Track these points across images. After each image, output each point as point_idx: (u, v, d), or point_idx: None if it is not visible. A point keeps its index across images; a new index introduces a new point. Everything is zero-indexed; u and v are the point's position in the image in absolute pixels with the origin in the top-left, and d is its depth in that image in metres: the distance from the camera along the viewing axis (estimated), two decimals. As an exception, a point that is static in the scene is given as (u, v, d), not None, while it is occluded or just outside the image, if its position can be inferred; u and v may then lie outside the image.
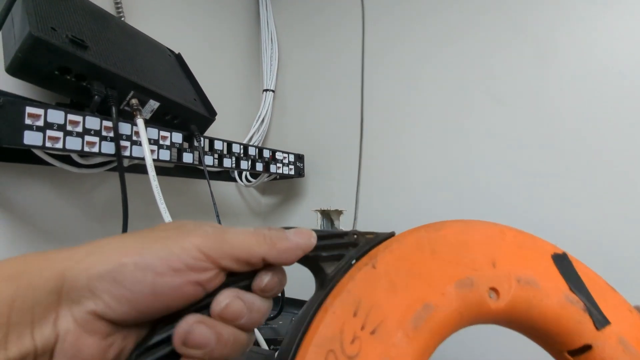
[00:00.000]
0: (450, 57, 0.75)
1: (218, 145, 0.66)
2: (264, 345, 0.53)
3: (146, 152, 0.51)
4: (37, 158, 0.52)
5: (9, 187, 0.54)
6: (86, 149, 0.48)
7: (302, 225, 0.81)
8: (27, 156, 0.54)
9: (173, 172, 0.76)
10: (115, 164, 0.61)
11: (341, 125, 0.89)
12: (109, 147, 0.50)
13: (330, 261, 0.25)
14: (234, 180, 0.89)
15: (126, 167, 0.62)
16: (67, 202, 0.60)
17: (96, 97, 0.48)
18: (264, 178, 0.86)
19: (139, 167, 0.69)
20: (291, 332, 0.23)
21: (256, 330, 0.54)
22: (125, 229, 0.54)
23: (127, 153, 0.52)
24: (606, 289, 0.28)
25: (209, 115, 0.64)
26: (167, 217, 0.50)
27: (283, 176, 0.86)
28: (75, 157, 0.54)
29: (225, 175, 0.88)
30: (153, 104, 0.56)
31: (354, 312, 0.22)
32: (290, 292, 0.90)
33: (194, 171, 0.79)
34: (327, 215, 0.92)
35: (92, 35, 0.52)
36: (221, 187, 0.89)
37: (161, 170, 0.73)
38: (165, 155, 0.57)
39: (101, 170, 0.60)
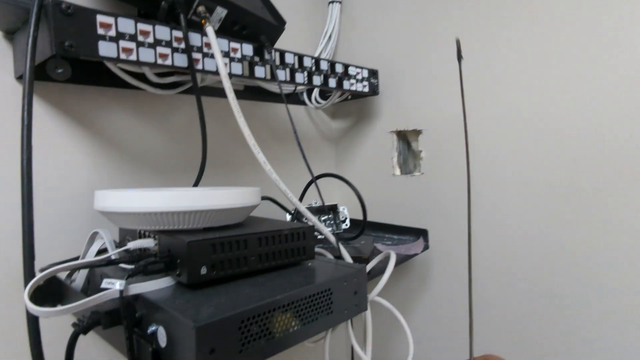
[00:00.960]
0: None
1: (289, 58, 0.61)
2: (349, 260, 0.52)
3: (219, 61, 0.47)
4: (114, 80, 0.51)
5: (90, 109, 0.54)
6: (159, 61, 0.46)
7: (375, 148, 0.75)
8: (105, 77, 0.53)
9: (243, 95, 0.73)
10: (189, 85, 0.59)
11: (417, 38, 0.79)
12: (181, 60, 0.48)
13: None
14: (303, 103, 0.85)
15: (200, 88, 0.60)
16: (146, 124, 0.60)
17: (163, 2, 0.45)
18: (334, 98, 0.80)
19: (212, 90, 0.67)
20: None
21: (342, 248, 0.52)
22: (204, 151, 0.53)
23: (199, 67, 0.49)
24: None
25: (278, 23, 0.58)
26: (246, 131, 0.47)
27: (356, 94, 0.80)
28: (150, 75, 0.53)
29: (294, 98, 0.84)
30: (220, 12, 0.51)
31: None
32: (371, 215, 0.89)
33: (263, 94, 0.75)
34: (404, 137, 0.86)
35: (151, -64, 0.48)
36: (291, 111, 0.85)
37: (231, 92, 0.71)
38: (237, 69, 0.54)
39: (176, 91, 0.58)
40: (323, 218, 0.77)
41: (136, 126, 0.59)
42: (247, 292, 0.36)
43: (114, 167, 0.56)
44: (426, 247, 0.70)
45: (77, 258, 0.48)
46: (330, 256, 0.55)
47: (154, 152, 0.61)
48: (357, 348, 0.46)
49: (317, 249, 0.58)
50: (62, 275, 0.48)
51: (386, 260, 0.52)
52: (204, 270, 0.36)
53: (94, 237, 0.49)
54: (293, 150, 0.85)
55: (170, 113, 0.63)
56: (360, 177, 0.91)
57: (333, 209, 0.76)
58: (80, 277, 0.46)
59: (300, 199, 0.68)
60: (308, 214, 0.49)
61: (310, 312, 0.38)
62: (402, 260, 0.64)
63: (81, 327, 0.35)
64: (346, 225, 0.75)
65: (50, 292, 0.44)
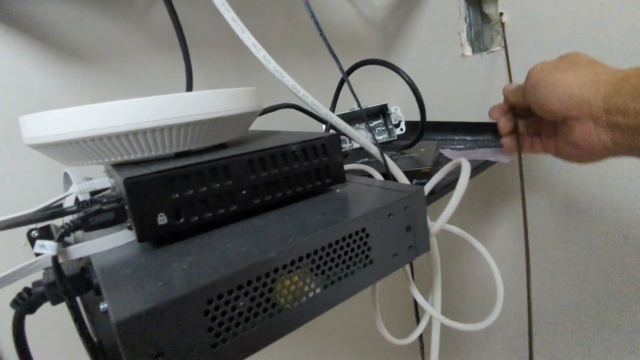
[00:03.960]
0: None
1: None
2: (403, 179, 0.36)
3: None
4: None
5: (33, 15, 0.41)
6: None
7: (435, 24, 0.51)
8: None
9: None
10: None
11: None
12: None
13: None
14: (333, -26, 0.64)
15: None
16: (119, 29, 0.46)
17: None
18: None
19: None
20: None
21: (390, 161, 0.36)
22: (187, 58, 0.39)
23: None
24: None
25: None
26: (246, 37, 0.31)
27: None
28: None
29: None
30: None
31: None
32: (437, 114, 0.69)
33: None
34: (475, 0, 0.62)
35: None
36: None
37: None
38: None
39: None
40: (372, 124, 0.61)
41: (108, 32, 0.45)
42: (229, 248, 0.23)
43: (79, 84, 0.44)
44: (514, 148, 0.51)
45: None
46: (377, 175, 0.40)
47: (129, 61, 0.47)
48: (421, 301, 0.33)
49: (359, 166, 0.43)
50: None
51: (457, 171, 0.35)
52: (163, 219, 0.24)
53: (68, 179, 0.39)
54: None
55: (152, 7, 0.48)
56: (418, 65, 0.70)
57: (382, 110, 0.58)
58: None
59: (334, 102, 0.51)
60: (329, 114, 0.33)
61: (335, 267, 0.24)
62: (479, 168, 0.47)
63: (23, 307, 0.26)
64: (401, 130, 0.58)
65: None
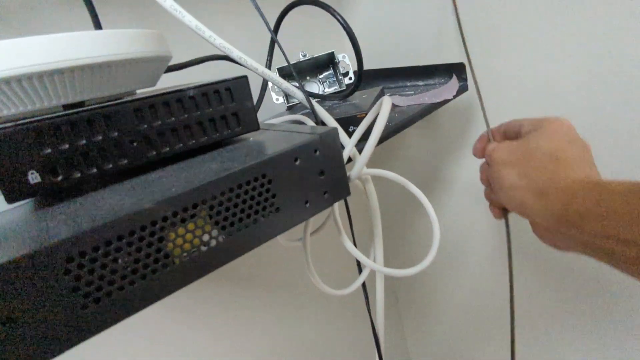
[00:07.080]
0: None
1: None
2: (333, 123, 0.34)
3: None
4: None
5: None
6: None
7: None
8: None
9: None
10: None
11: None
12: None
13: None
14: None
15: None
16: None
17: None
18: None
19: None
20: None
21: (317, 107, 0.34)
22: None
23: None
24: None
25: None
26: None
27: None
28: None
29: None
30: None
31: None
32: (391, 60, 0.66)
33: None
34: None
35: None
36: None
37: None
38: None
39: None
40: (323, 74, 0.58)
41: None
42: (108, 202, 0.21)
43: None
44: (463, 89, 0.49)
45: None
46: (310, 124, 0.38)
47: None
48: (353, 251, 0.32)
49: (294, 116, 0.41)
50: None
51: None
52: (35, 178, 0.21)
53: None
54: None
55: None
56: (373, 9, 0.66)
57: (331, 59, 0.55)
58: None
59: (270, 51, 0.48)
60: (243, 57, 0.30)
61: (232, 217, 0.23)
62: (427, 111, 0.45)
63: None
64: (350, 79, 0.55)
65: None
